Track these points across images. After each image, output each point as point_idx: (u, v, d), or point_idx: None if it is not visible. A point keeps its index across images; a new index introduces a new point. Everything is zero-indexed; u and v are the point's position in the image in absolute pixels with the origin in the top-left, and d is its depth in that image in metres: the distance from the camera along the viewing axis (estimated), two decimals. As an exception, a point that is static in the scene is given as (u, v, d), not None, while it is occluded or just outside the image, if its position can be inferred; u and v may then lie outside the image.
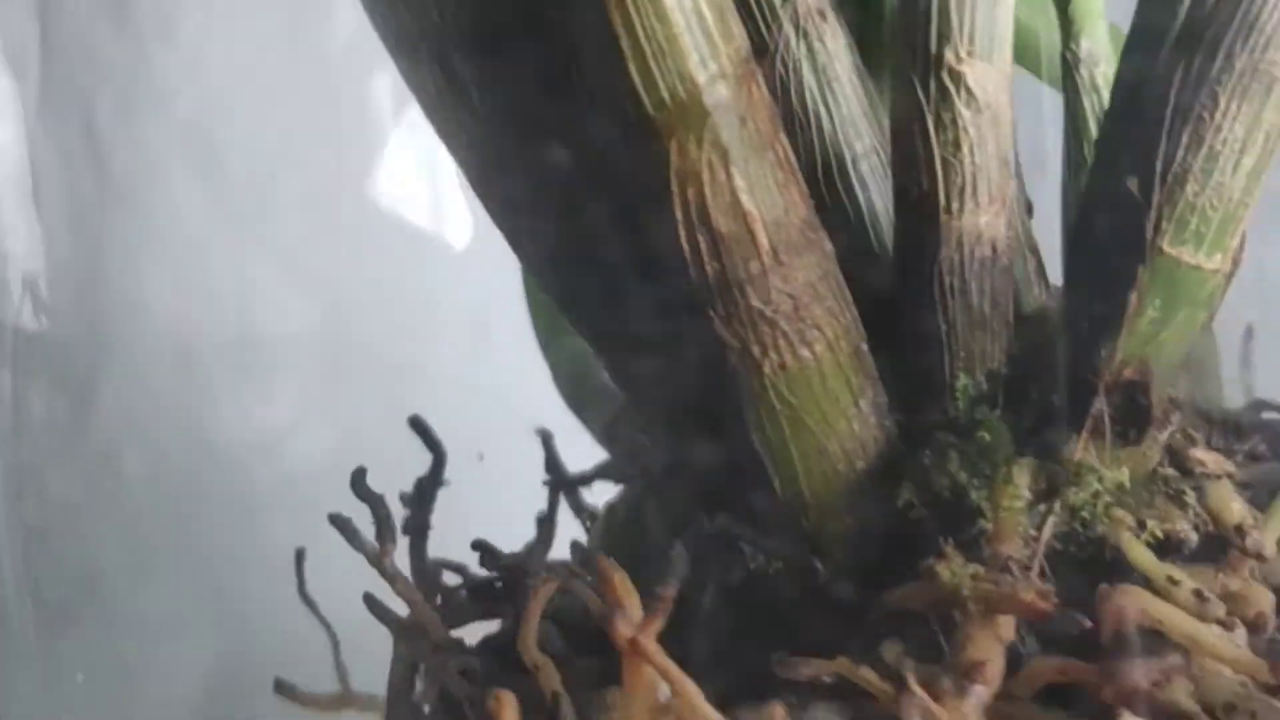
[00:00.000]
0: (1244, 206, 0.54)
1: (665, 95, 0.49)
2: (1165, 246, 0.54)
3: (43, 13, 0.92)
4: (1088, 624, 0.49)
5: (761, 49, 0.59)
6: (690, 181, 0.50)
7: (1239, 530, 0.56)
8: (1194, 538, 0.55)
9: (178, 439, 0.96)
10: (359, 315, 1.01)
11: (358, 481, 0.67)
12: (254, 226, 0.99)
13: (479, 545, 0.70)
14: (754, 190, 0.50)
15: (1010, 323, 0.57)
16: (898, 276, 0.57)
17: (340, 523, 0.68)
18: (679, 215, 0.50)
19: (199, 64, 0.97)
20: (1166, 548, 0.55)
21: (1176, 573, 0.53)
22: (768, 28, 0.59)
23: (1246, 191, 0.54)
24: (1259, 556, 0.56)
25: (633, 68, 0.49)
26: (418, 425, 0.72)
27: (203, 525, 0.96)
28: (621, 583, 0.55)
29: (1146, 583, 0.53)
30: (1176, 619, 0.51)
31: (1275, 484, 0.59)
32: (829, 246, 0.54)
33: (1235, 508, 0.56)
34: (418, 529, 0.71)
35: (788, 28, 0.59)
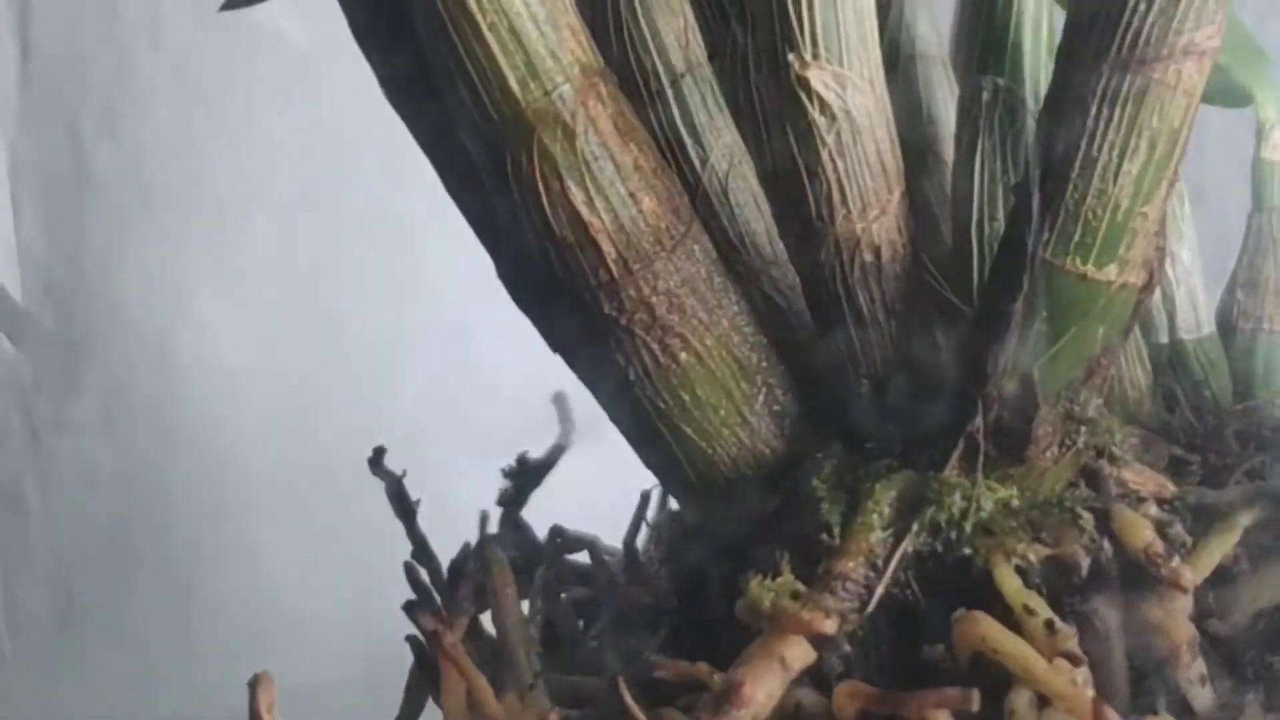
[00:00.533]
0: (1138, 216, 0.50)
1: (492, 112, 0.51)
2: (1048, 256, 0.51)
3: (24, 18, 0.98)
4: (846, 649, 0.48)
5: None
6: (528, 192, 0.51)
7: (1148, 557, 0.52)
8: (1084, 562, 0.52)
9: (154, 440, 1.01)
10: (338, 317, 1.04)
11: (376, 461, 0.71)
12: (234, 229, 1.03)
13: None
14: (594, 201, 0.51)
15: (913, 331, 0.55)
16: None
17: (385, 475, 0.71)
18: (526, 224, 0.52)
19: (184, 67, 1.01)
20: (1059, 572, 0.52)
21: (1034, 601, 0.50)
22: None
23: (1139, 199, 0.50)
24: (1176, 585, 0.53)
25: (461, 85, 0.51)
26: (560, 402, 0.75)
27: (177, 526, 1.00)
28: (500, 573, 0.57)
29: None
30: (1012, 648, 0.49)
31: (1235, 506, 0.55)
32: (700, 252, 0.54)
33: (1141, 534, 0.53)
34: (512, 500, 0.74)
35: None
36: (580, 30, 0.52)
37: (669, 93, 0.60)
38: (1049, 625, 0.49)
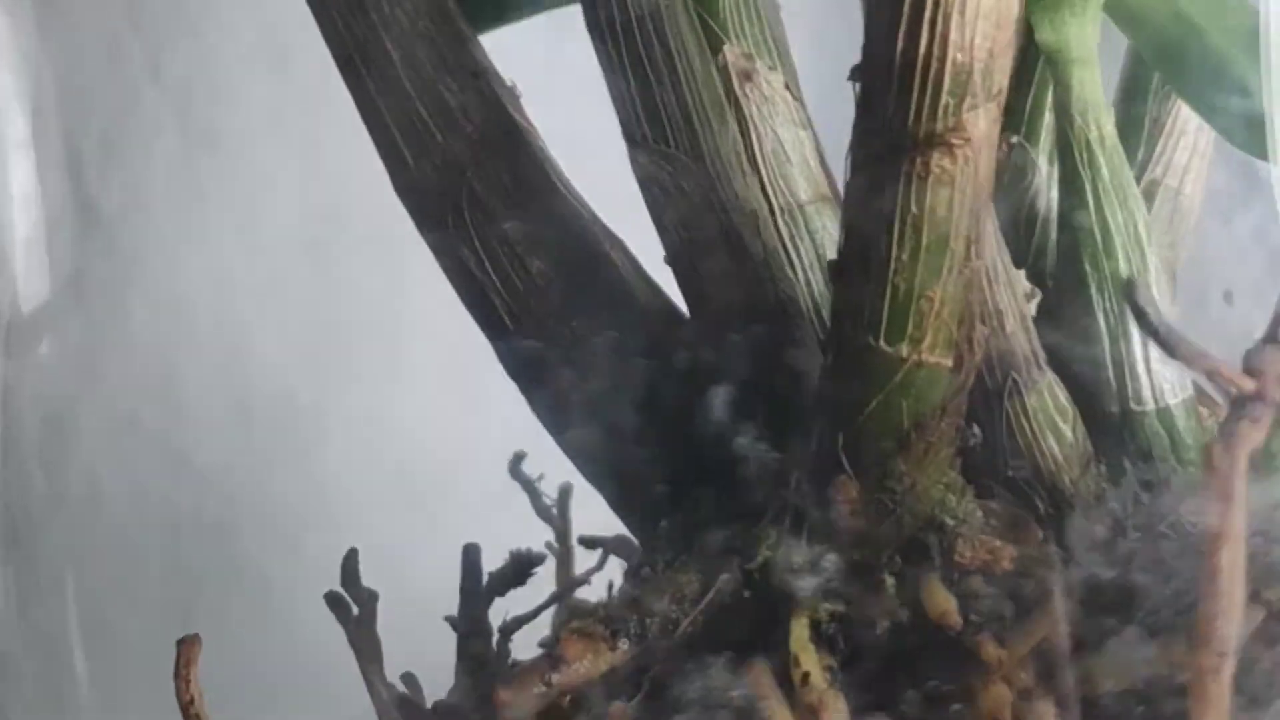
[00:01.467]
0: (921, 300, 0.52)
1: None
2: (847, 328, 0.54)
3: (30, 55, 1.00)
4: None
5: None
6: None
7: (944, 626, 0.54)
8: (882, 625, 0.55)
9: (160, 469, 1.03)
10: (340, 348, 1.06)
11: (514, 466, 0.77)
12: (237, 261, 1.05)
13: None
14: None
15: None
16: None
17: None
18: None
19: (187, 101, 1.03)
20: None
21: (806, 656, 0.54)
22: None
23: (917, 283, 0.52)
24: (979, 656, 0.54)
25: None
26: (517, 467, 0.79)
27: (183, 554, 1.02)
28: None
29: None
30: (764, 691, 0.53)
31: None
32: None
33: (938, 604, 0.54)
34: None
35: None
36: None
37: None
38: (804, 678, 0.53)
